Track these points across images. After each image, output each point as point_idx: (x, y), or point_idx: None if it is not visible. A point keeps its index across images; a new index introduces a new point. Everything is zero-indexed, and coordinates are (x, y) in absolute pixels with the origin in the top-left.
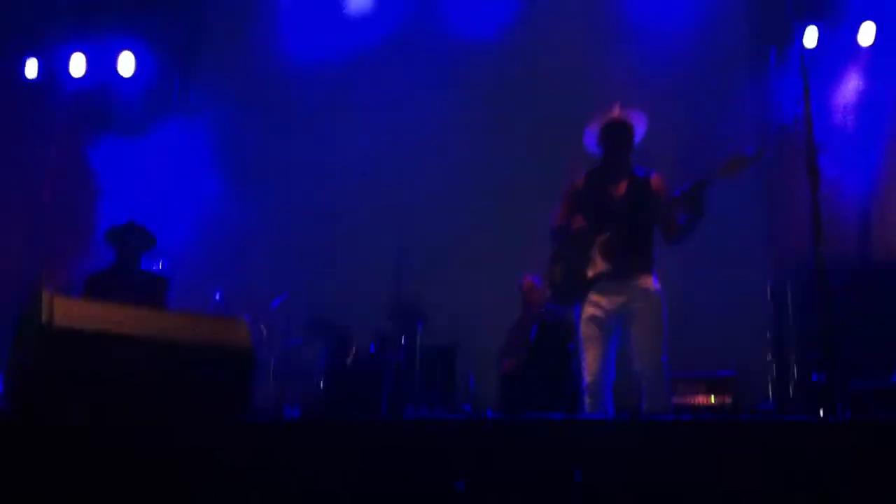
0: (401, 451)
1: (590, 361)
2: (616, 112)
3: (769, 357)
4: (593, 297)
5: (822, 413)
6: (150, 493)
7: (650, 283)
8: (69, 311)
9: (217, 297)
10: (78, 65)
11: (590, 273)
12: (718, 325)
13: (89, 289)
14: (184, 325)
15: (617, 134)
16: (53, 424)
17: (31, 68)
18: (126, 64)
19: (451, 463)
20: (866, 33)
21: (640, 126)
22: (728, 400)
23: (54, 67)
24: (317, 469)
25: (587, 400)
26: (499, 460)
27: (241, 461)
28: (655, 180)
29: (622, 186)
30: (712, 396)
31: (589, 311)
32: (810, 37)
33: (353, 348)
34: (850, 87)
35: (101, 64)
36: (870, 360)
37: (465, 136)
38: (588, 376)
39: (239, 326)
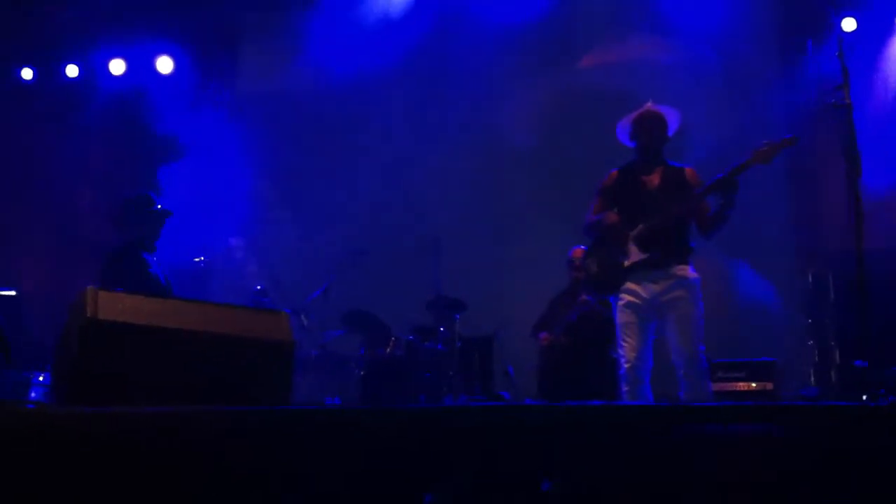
0: (432, 439)
1: (628, 349)
2: (649, 105)
3: (810, 343)
4: (630, 286)
5: (864, 398)
6: (193, 482)
7: (687, 271)
8: (113, 305)
9: (258, 289)
10: (117, 67)
11: (626, 263)
12: (759, 312)
13: (109, 269)
14: (226, 318)
15: (650, 126)
16: (96, 416)
17: (72, 71)
18: (164, 66)
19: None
20: None
21: (673, 119)
22: (769, 386)
23: (94, 70)
24: (353, 455)
25: (625, 388)
26: (532, 447)
27: (281, 449)
28: (690, 172)
29: (656, 178)
30: (753, 383)
31: (626, 298)
32: (848, 25)
33: (392, 339)
34: (889, 74)
35: (140, 66)
36: None
37: (499, 129)
38: (626, 363)
39: (280, 319)
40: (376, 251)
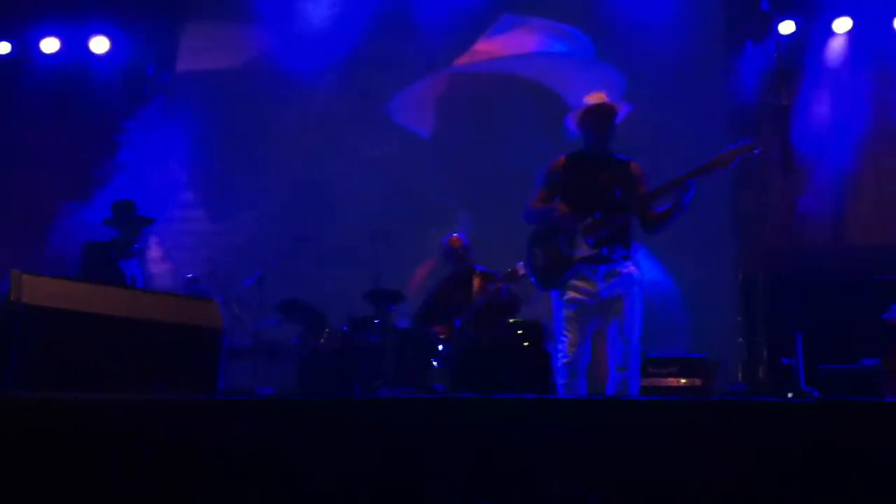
0: (368, 431)
1: (569, 343)
2: (601, 96)
3: (739, 340)
4: (576, 281)
5: (790, 395)
6: (115, 468)
7: (633, 269)
8: (38, 289)
9: (189, 277)
10: (50, 45)
11: (577, 257)
12: (689, 309)
13: (90, 258)
14: (153, 305)
15: (603, 118)
16: (20, 398)
17: (3, 48)
18: (100, 45)
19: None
20: (841, 25)
21: (622, 112)
22: (698, 382)
23: (26, 48)
24: (285, 445)
25: (562, 381)
26: (470, 440)
27: (209, 438)
28: (634, 167)
29: (604, 170)
30: (683, 379)
31: (571, 294)
32: (786, 28)
33: (327, 330)
34: (825, 77)
35: (75, 45)
36: (840, 344)
37: (443, 129)
38: (565, 358)
39: (209, 306)
40: (316, 240)
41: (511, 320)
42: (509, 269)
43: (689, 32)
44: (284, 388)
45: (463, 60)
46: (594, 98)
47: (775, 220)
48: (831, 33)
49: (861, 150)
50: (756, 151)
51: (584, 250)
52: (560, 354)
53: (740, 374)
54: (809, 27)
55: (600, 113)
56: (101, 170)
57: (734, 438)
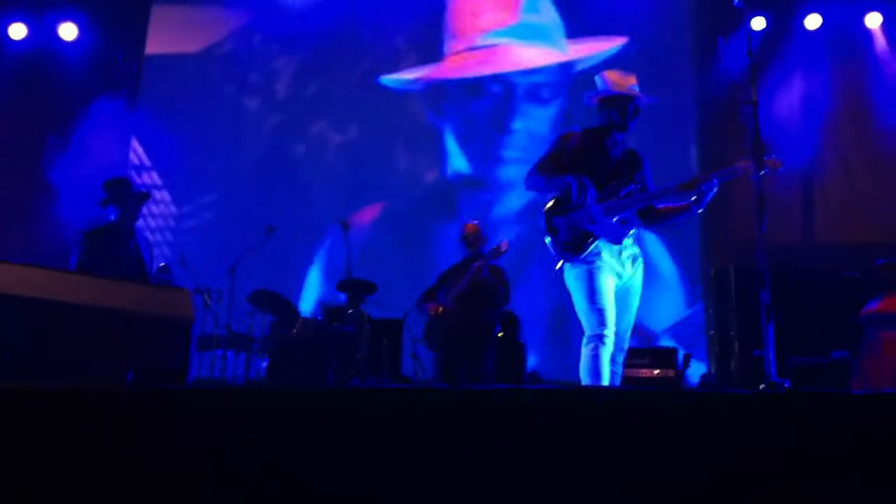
0: (343, 420)
1: (610, 314)
2: (632, 80)
3: (711, 333)
4: (605, 256)
5: (762, 387)
6: (81, 461)
7: (639, 252)
8: (3, 277)
9: (160, 266)
10: (17, 31)
11: (598, 233)
12: (662, 301)
13: (90, 245)
14: (120, 293)
15: (630, 104)
16: None
17: None
18: (68, 32)
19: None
20: (812, 22)
21: (646, 102)
22: (671, 373)
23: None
24: (254, 437)
25: (602, 350)
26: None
27: (180, 430)
28: (644, 161)
29: (625, 154)
30: (656, 370)
31: (611, 263)
32: (758, 24)
33: (300, 320)
34: (795, 73)
35: (43, 32)
36: (810, 337)
37: (410, 118)
38: (605, 330)
39: (179, 296)
40: (287, 230)
41: (490, 308)
42: (494, 247)
43: (660, 28)
44: (256, 378)
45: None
46: (624, 81)
47: (743, 215)
48: (802, 30)
49: (830, 146)
50: (780, 169)
51: (607, 227)
52: (601, 325)
53: (713, 366)
54: (780, 23)
55: (632, 104)
56: (66, 155)
57: (706, 430)
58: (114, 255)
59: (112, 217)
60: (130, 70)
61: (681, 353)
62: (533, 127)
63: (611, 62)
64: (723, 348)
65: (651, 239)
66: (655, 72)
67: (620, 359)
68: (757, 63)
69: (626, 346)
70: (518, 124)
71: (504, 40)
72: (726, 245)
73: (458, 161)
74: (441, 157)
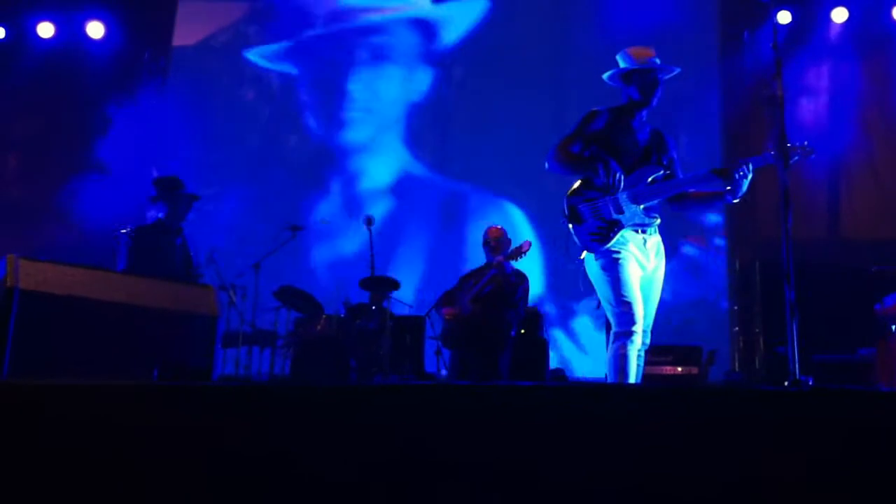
0: (370, 419)
1: (637, 307)
2: (650, 52)
3: (735, 329)
4: (630, 246)
5: (786, 384)
6: (112, 455)
7: (661, 242)
8: (35, 275)
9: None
10: (45, 30)
11: (624, 220)
12: (686, 297)
13: (136, 243)
14: (150, 291)
15: (653, 79)
16: (15, 385)
17: None
18: (95, 30)
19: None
20: (839, 15)
21: (671, 73)
22: (695, 371)
23: (21, 32)
24: (280, 434)
25: (630, 348)
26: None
27: (207, 424)
28: (670, 140)
29: (650, 136)
30: (679, 367)
31: (636, 253)
32: (783, 18)
33: (324, 317)
34: (822, 68)
35: (70, 30)
36: (836, 334)
37: (429, 115)
38: (634, 324)
39: (206, 293)
40: (311, 228)
41: (509, 308)
42: (515, 247)
43: (685, 23)
44: (280, 375)
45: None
46: (643, 54)
47: (768, 210)
48: (829, 23)
49: (857, 141)
50: (812, 157)
51: (633, 215)
52: (628, 317)
53: (736, 364)
54: (806, 17)
55: (659, 84)
56: (96, 153)
57: (730, 428)
58: (162, 253)
59: (160, 214)
60: (157, 67)
61: (704, 351)
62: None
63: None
64: (747, 345)
65: (676, 229)
66: (681, 66)
67: (642, 352)
68: (783, 57)
69: (649, 339)
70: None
71: None
72: (751, 240)
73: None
74: None
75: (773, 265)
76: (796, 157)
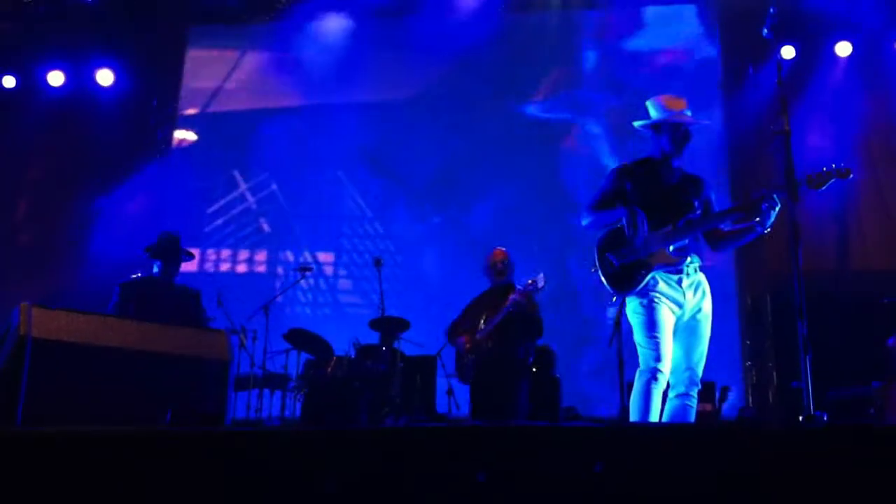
0: (378, 461)
1: (665, 347)
2: (682, 104)
3: (748, 364)
4: (662, 287)
5: (801, 419)
6: (125, 501)
7: (706, 283)
8: (49, 323)
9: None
10: (56, 78)
11: (654, 262)
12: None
13: (125, 295)
14: (163, 337)
15: (684, 131)
16: (30, 432)
17: (9, 81)
18: (104, 78)
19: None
20: (842, 49)
21: (699, 124)
22: (709, 407)
23: (32, 80)
24: (293, 477)
25: (654, 386)
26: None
27: (218, 468)
28: (706, 183)
29: (681, 181)
30: None
31: (670, 293)
32: (787, 53)
33: (334, 359)
34: (826, 100)
35: (80, 78)
36: (849, 368)
37: (438, 153)
38: (663, 362)
39: (218, 338)
40: (321, 269)
41: (526, 340)
42: (529, 281)
43: (690, 58)
44: (291, 418)
45: None
46: (675, 105)
47: (779, 244)
48: (832, 57)
49: (864, 173)
50: (851, 177)
51: (664, 257)
52: (655, 359)
53: (749, 399)
54: (810, 52)
55: (685, 126)
56: (105, 200)
57: (744, 467)
58: (153, 306)
59: (154, 268)
60: (166, 114)
61: (718, 387)
62: None
63: (641, 96)
64: (760, 380)
65: None
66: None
67: (694, 392)
68: (787, 92)
69: (699, 379)
70: None
71: None
72: (762, 274)
73: None
74: None
75: (785, 299)
76: (832, 181)
